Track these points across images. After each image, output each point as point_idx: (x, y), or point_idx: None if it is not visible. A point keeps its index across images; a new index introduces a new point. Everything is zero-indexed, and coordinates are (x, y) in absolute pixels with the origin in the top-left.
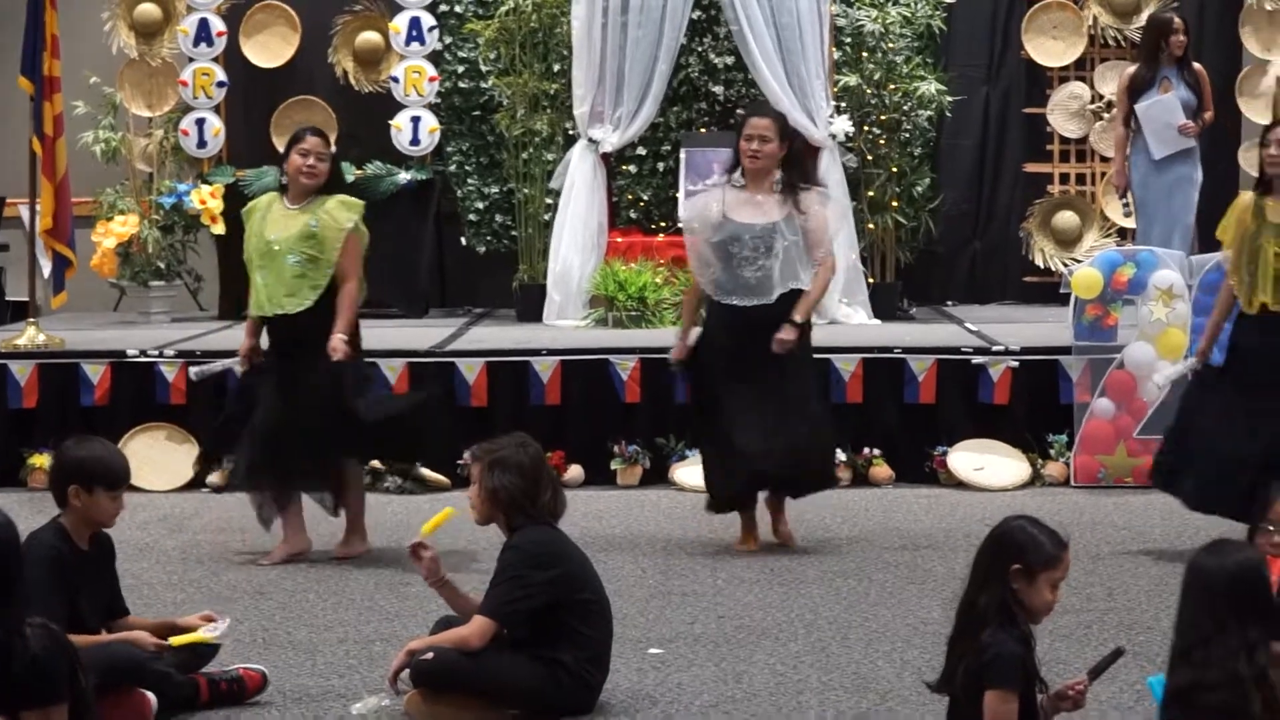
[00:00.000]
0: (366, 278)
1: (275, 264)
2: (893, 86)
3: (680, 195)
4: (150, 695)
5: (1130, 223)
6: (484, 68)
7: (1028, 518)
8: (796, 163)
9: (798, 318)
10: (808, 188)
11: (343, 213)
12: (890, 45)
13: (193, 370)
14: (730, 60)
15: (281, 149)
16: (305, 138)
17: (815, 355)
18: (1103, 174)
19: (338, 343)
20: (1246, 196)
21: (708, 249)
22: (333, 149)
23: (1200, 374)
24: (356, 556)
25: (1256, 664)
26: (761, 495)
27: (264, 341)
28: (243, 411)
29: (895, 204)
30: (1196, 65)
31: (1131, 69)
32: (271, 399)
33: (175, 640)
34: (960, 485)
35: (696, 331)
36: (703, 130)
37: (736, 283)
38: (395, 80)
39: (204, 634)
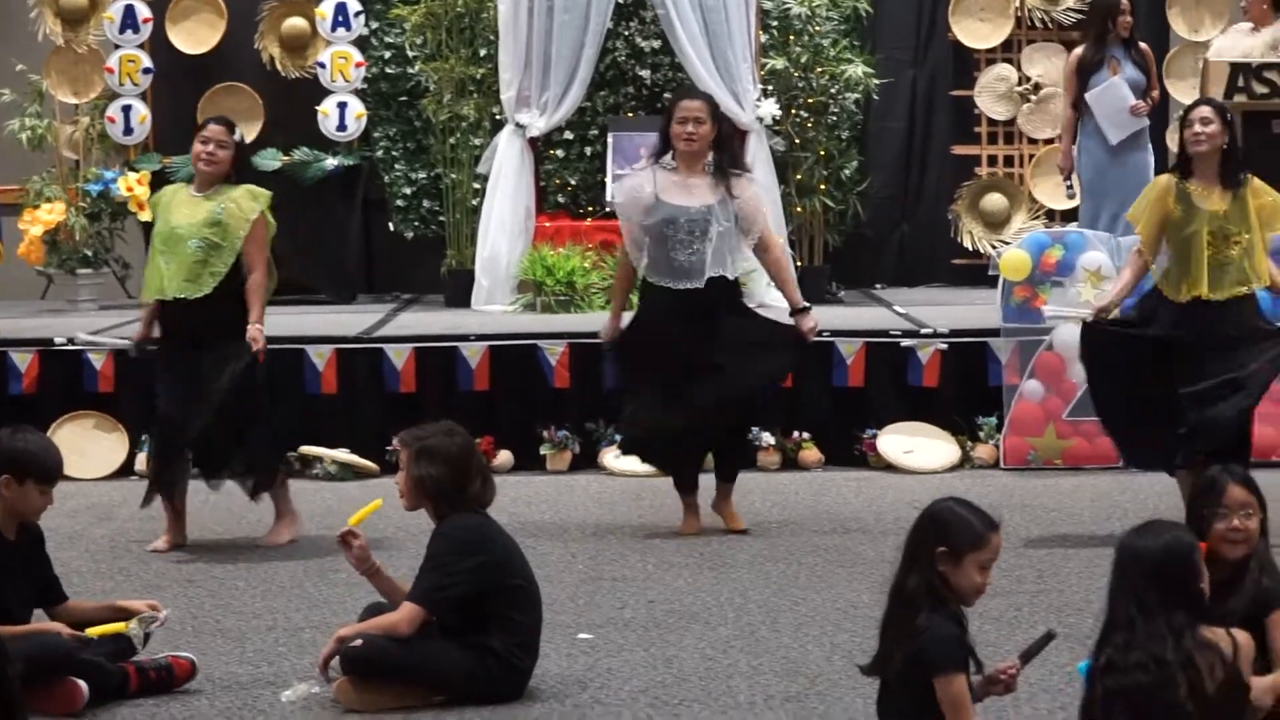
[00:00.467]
0: (294, 262)
1: (178, 250)
2: (820, 70)
3: (608, 179)
4: (81, 684)
5: (1066, 204)
6: (410, 53)
7: (958, 499)
8: (726, 145)
9: (802, 302)
10: (738, 173)
11: (249, 202)
12: (817, 28)
13: (83, 335)
14: (657, 44)
15: None
16: (207, 126)
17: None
18: (1031, 156)
19: (256, 333)
20: (1165, 180)
21: (639, 231)
22: (238, 137)
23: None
24: (284, 544)
25: (1183, 649)
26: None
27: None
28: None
29: (823, 187)
30: (1143, 44)
31: (1079, 50)
32: (182, 387)
33: (92, 631)
34: (890, 468)
35: (628, 316)
36: (630, 114)
37: (669, 265)
38: (322, 66)
39: (128, 626)
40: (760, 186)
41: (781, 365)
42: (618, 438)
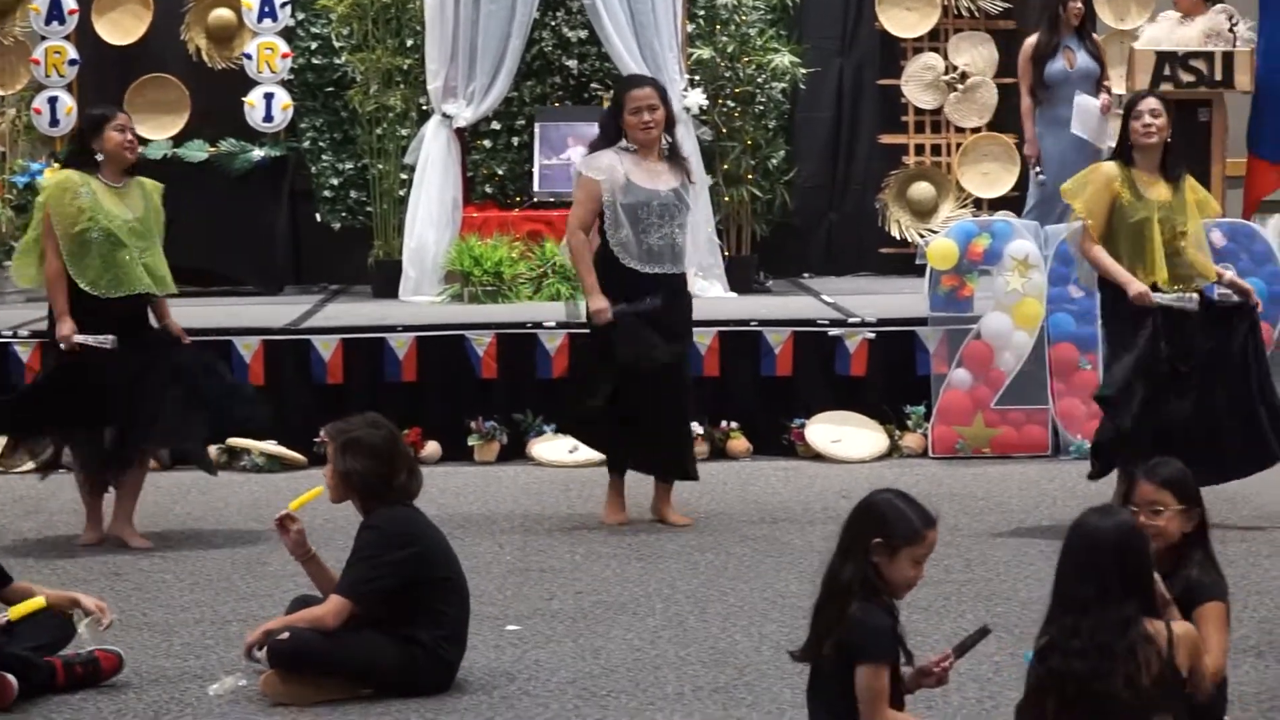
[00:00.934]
0: (221, 254)
1: (148, 242)
2: (746, 59)
3: (535, 169)
4: (11, 678)
5: (989, 190)
6: (337, 44)
7: (897, 492)
8: (673, 128)
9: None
10: (687, 158)
11: (158, 195)
12: (743, 18)
13: (82, 338)
14: (583, 34)
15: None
16: (117, 115)
17: None
18: (958, 145)
19: (181, 330)
20: (1110, 167)
21: (621, 211)
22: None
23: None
24: (98, 544)
25: (1128, 640)
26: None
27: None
28: (52, 389)
29: (750, 177)
30: (1095, 34)
31: (1032, 38)
32: (129, 375)
33: (12, 612)
34: (818, 457)
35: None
36: (557, 104)
37: (640, 248)
38: (248, 57)
39: (80, 628)
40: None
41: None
42: (545, 429)
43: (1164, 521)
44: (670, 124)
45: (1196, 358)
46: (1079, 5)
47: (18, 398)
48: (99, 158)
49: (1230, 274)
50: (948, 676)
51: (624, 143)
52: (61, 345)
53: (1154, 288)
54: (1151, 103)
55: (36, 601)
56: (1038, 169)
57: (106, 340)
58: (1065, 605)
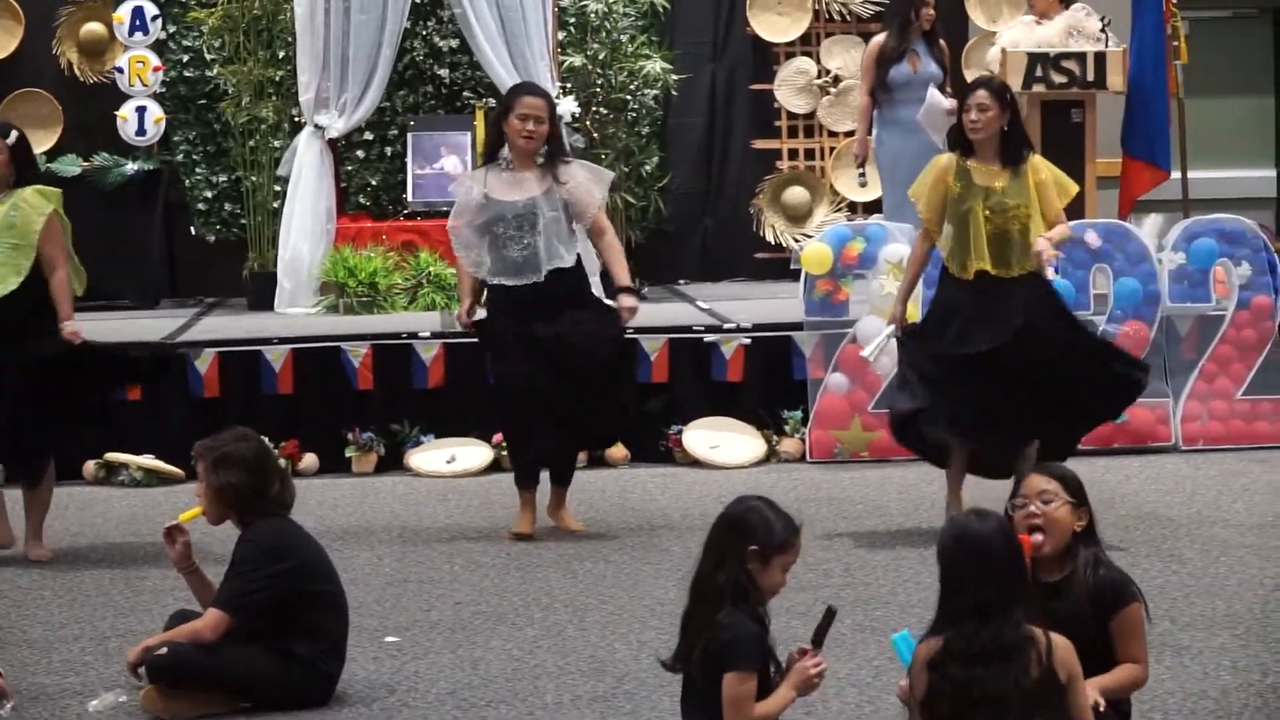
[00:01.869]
0: (96, 268)
1: None
2: (618, 66)
3: (408, 179)
4: None
5: (863, 195)
6: (208, 56)
7: (764, 499)
8: (557, 136)
9: (630, 281)
10: (569, 160)
11: (40, 200)
12: (614, 25)
13: None
14: (455, 43)
15: None
16: None
17: None
18: (831, 149)
19: (72, 330)
20: (946, 158)
21: (470, 232)
22: (13, 139)
23: (909, 337)
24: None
25: (1019, 640)
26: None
27: None
28: None
29: (624, 184)
30: (942, 41)
31: (879, 39)
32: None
33: None
34: (696, 464)
35: (481, 312)
36: (429, 114)
37: (503, 263)
38: (120, 70)
39: None
40: (588, 170)
41: (608, 356)
42: (423, 439)
43: (1054, 511)
44: (553, 139)
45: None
46: (931, 11)
47: None
48: None
49: (1041, 243)
50: (823, 673)
51: (504, 153)
52: None
53: (982, 276)
54: (980, 95)
55: None
56: (861, 170)
57: None
58: (961, 611)
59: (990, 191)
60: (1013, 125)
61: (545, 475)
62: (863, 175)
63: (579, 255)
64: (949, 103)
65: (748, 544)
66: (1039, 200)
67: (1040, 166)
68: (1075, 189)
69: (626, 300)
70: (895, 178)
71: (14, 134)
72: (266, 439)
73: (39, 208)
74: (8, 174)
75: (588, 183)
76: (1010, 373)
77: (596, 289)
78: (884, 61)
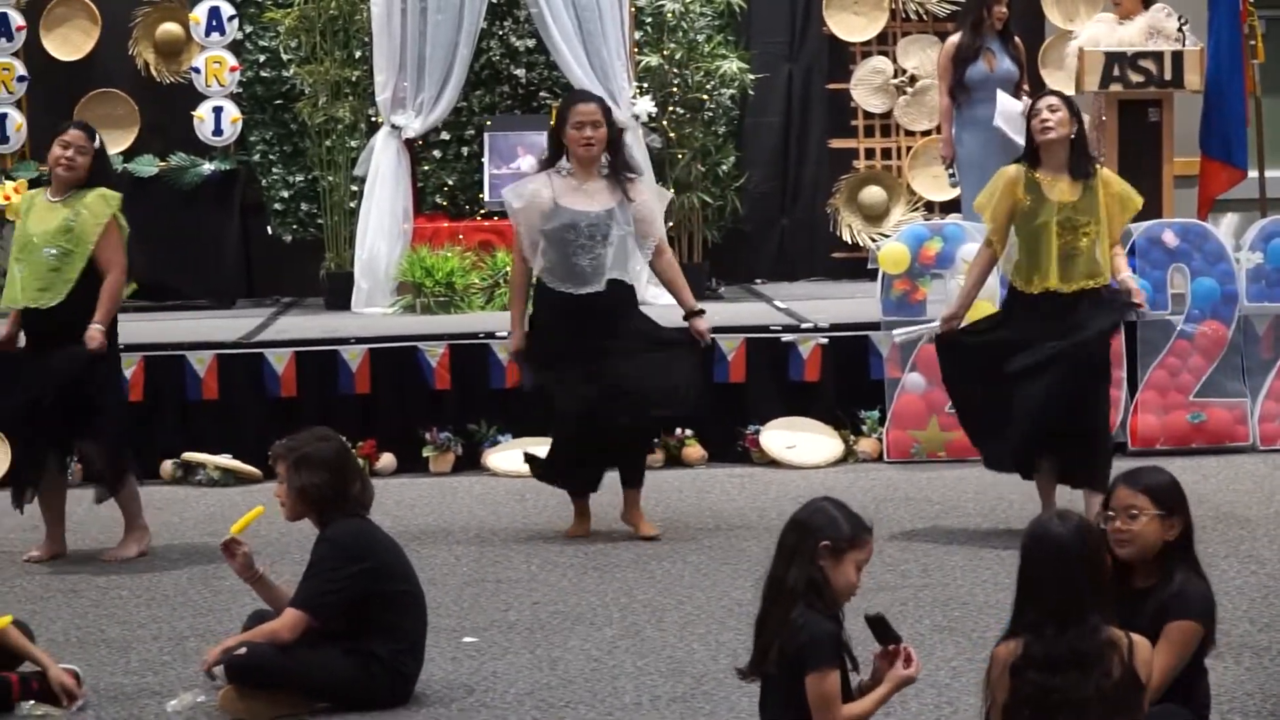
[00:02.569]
0: (173, 268)
1: (33, 257)
2: (695, 66)
3: (485, 179)
4: None
5: (944, 195)
6: (285, 56)
7: (832, 500)
8: (620, 147)
9: (698, 305)
10: (632, 176)
11: (101, 205)
12: (691, 24)
13: None
14: (531, 43)
15: None
16: (67, 130)
17: None
18: (908, 148)
19: (95, 332)
20: (1014, 170)
21: (538, 235)
22: (98, 144)
23: (944, 348)
24: (131, 558)
25: (1097, 645)
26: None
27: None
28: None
29: (701, 183)
30: (1017, 39)
31: (955, 39)
32: (26, 385)
33: None
34: (773, 464)
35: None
36: (506, 114)
37: (569, 270)
38: (196, 71)
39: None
40: (651, 188)
41: (687, 382)
42: (500, 438)
43: (1139, 526)
44: (614, 145)
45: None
46: (1003, 9)
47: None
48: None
49: (1125, 274)
50: (914, 661)
51: (564, 161)
52: None
53: (1047, 293)
54: (1050, 99)
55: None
56: (951, 170)
57: None
58: (1039, 614)
59: (1062, 206)
60: (1079, 136)
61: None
62: (953, 175)
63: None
64: (1020, 104)
65: (818, 540)
66: (1108, 216)
67: (1110, 180)
68: (1140, 203)
69: (701, 325)
70: (973, 176)
71: (99, 137)
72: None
73: (99, 215)
74: (83, 176)
75: (653, 201)
76: (1045, 386)
77: (649, 295)
78: (960, 61)
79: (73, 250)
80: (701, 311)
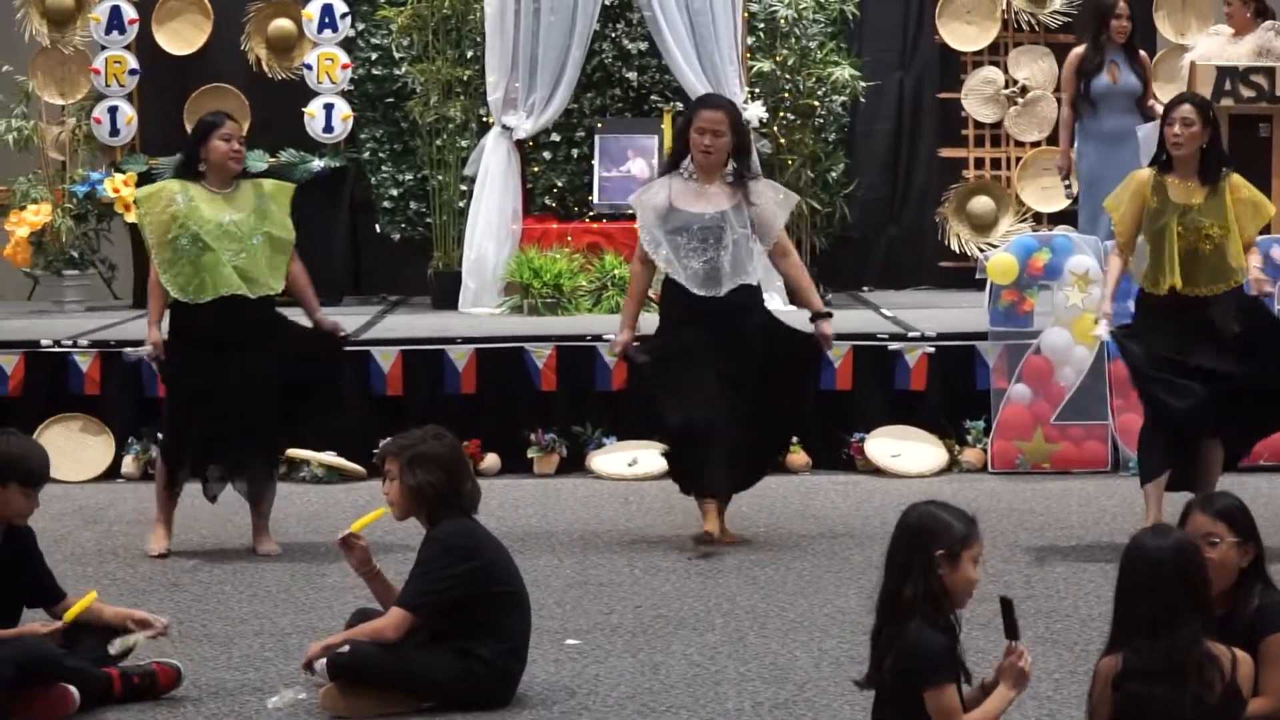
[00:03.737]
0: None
1: (243, 245)
2: (806, 72)
3: (595, 181)
4: (73, 690)
5: (1053, 207)
6: (397, 54)
7: (933, 502)
8: (746, 153)
9: (823, 307)
10: (756, 177)
11: (283, 195)
12: (803, 31)
13: (129, 351)
14: (643, 46)
15: None
16: (225, 123)
17: None
18: (1018, 159)
19: (335, 322)
20: (1145, 173)
21: (660, 235)
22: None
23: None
24: (164, 556)
25: (1195, 658)
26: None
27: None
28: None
29: (810, 190)
30: (1142, 52)
31: (1079, 50)
32: (230, 380)
33: (68, 615)
34: (877, 472)
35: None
36: (616, 116)
37: (685, 272)
38: (308, 67)
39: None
40: (775, 192)
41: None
42: (605, 441)
43: (1219, 555)
44: (741, 152)
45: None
46: (1125, 23)
47: (173, 435)
48: (202, 167)
49: (1255, 271)
50: (1028, 660)
51: (687, 163)
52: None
53: (1170, 292)
54: (1185, 110)
55: (88, 598)
56: (1067, 181)
57: (130, 354)
58: (1135, 627)
59: (1186, 209)
60: (1212, 142)
61: None
62: (1069, 186)
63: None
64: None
65: (934, 549)
66: (1237, 221)
67: (1240, 186)
68: (1273, 211)
69: (825, 328)
70: (1094, 189)
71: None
72: None
73: (284, 206)
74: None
75: (774, 204)
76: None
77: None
78: (1082, 73)
79: (283, 238)
80: (829, 314)
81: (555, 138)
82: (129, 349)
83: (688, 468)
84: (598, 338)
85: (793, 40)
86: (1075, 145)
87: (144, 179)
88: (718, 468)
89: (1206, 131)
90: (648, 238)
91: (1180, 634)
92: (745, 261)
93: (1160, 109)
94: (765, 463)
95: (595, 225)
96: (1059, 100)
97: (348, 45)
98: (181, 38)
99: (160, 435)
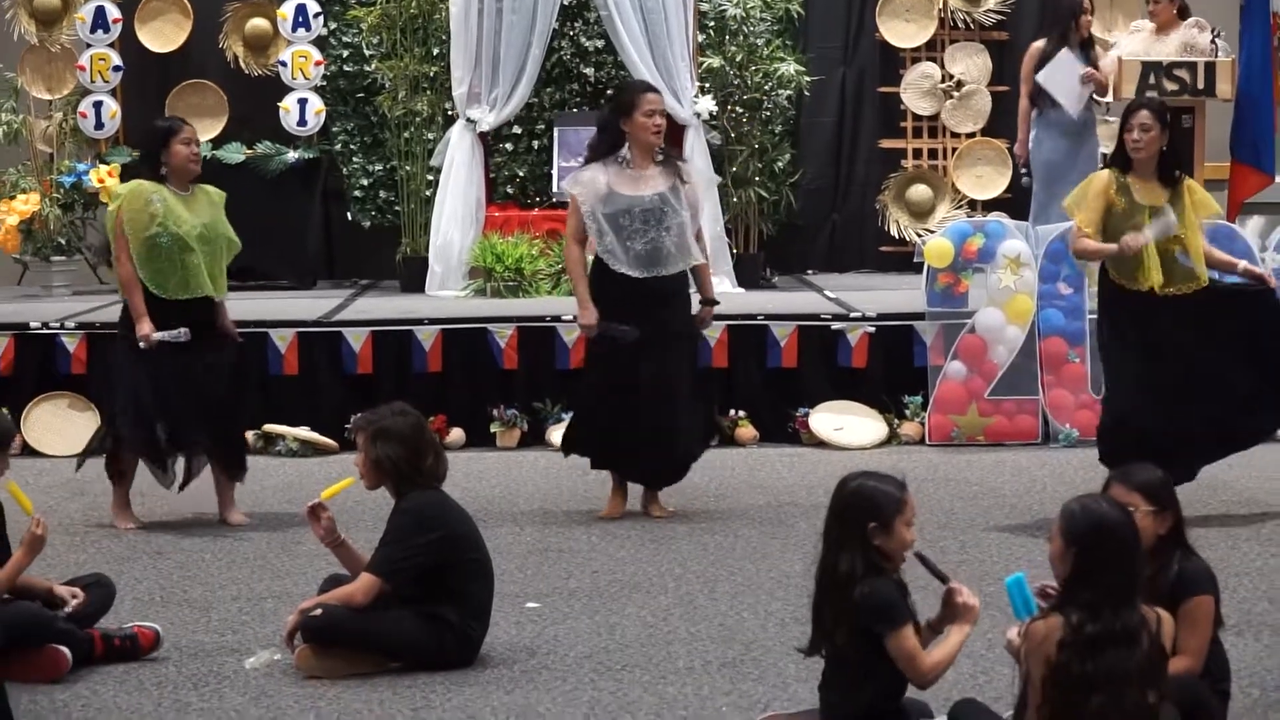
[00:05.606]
0: (257, 250)
1: (213, 248)
2: (754, 68)
3: (554, 172)
4: (65, 651)
5: (983, 192)
6: (367, 52)
7: (863, 473)
8: (670, 136)
9: (715, 295)
10: (684, 160)
11: (220, 200)
12: (751, 29)
13: (159, 335)
14: (600, 43)
15: None
16: (184, 128)
17: None
18: (954, 149)
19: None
20: (1106, 174)
21: (600, 219)
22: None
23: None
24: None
25: (1135, 620)
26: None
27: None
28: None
29: (757, 179)
30: (1098, 47)
31: (1038, 44)
32: (190, 373)
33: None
34: (821, 444)
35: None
36: (575, 110)
37: (626, 254)
38: (283, 64)
39: None
40: (700, 176)
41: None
42: (564, 416)
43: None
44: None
45: (1186, 342)
46: (1089, 18)
47: (130, 417)
48: (164, 170)
49: (1244, 263)
50: (969, 595)
51: (622, 151)
52: (142, 344)
53: (1150, 292)
54: (1142, 116)
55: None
56: (1024, 170)
57: (180, 334)
58: (1097, 595)
59: (1155, 210)
60: (1171, 145)
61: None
62: (1026, 174)
63: None
64: (1080, 68)
65: (867, 522)
66: (1195, 222)
67: (1195, 188)
68: (1217, 209)
69: (707, 314)
70: (1048, 179)
71: None
72: None
73: (221, 209)
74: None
75: (700, 186)
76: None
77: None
78: (1040, 67)
79: (236, 243)
80: (716, 303)
81: (517, 130)
82: (162, 334)
83: (604, 453)
84: (557, 319)
85: (741, 37)
86: (1032, 135)
87: (128, 170)
88: (634, 460)
89: (1164, 135)
90: (593, 225)
91: (1134, 602)
92: (689, 241)
93: (1100, 76)
94: (689, 456)
95: (555, 212)
96: (992, 94)
97: (320, 43)
98: (163, 36)
99: (118, 425)
